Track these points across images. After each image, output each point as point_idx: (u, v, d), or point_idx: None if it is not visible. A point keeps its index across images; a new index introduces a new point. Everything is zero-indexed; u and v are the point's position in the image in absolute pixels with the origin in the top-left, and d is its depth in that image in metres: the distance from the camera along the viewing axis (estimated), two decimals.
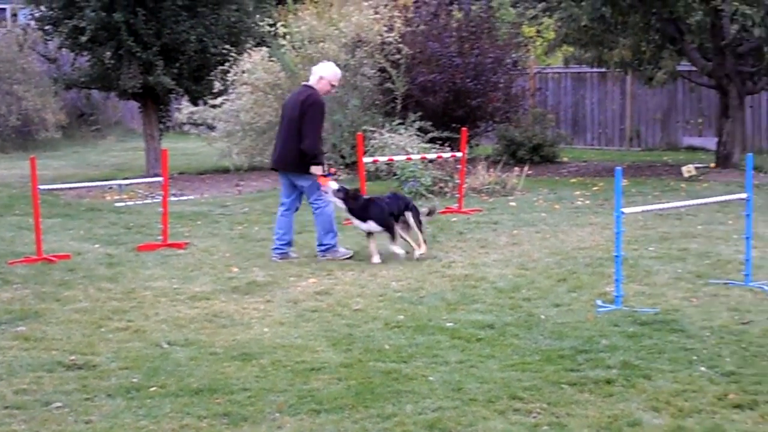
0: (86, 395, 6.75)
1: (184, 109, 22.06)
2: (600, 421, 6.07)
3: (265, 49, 21.00)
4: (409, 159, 16.47)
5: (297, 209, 11.93)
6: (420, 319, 8.66)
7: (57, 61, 22.98)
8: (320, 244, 11.66)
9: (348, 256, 11.57)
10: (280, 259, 11.54)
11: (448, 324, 8.46)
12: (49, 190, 14.41)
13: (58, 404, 6.57)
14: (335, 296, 9.62)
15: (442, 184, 17.14)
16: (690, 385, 6.68)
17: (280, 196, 12.04)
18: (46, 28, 21.18)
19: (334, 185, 11.56)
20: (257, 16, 21.97)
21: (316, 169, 11.49)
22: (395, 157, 16.55)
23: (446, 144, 19.19)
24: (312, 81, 11.71)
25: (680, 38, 19.62)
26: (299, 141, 11.37)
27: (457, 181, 16.08)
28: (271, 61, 20.73)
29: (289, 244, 11.73)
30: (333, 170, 12.45)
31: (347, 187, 11.90)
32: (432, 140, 18.90)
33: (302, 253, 11.93)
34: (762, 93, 21.65)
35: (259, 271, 10.86)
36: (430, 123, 19.22)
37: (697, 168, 18.98)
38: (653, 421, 6.06)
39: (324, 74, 11.68)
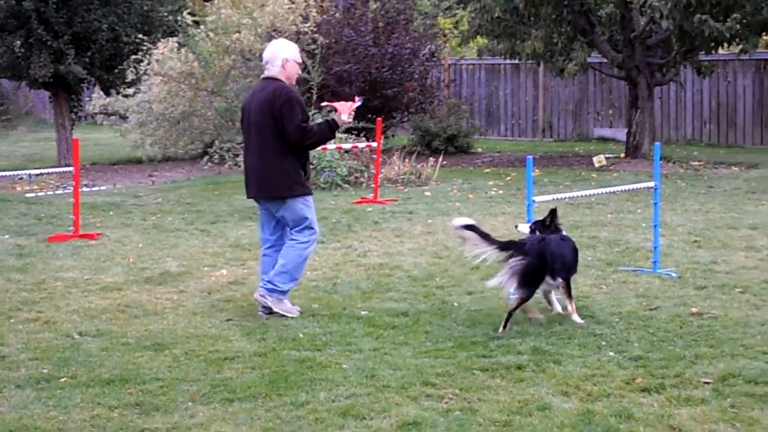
0: None
1: (96, 100, 21.81)
2: (511, 405, 6.15)
3: (177, 38, 20.85)
4: (325, 149, 16.46)
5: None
6: (335, 307, 8.69)
7: None
8: (270, 282, 8.49)
9: (293, 315, 8.46)
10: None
11: (363, 312, 8.50)
12: None
13: None
14: (249, 286, 9.59)
15: (357, 174, 17.18)
16: (599, 370, 6.80)
17: (260, 230, 9.15)
18: None
19: (524, 228, 8.67)
20: (167, 5, 21.79)
21: (341, 106, 8.78)
22: None
23: (362, 134, 19.24)
24: (274, 71, 8.61)
25: (591, 30, 19.90)
26: (278, 154, 8.48)
27: (373, 171, 16.13)
28: (185, 50, 20.57)
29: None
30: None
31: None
32: (348, 130, 18.92)
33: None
34: (670, 84, 22.06)
35: (172, 262, 10.79)
36: None
37: (607, 158, 19.29)
38: (563, 405, 6.15)
39: (288, 55, 8.61)
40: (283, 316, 8.41)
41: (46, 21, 19.67)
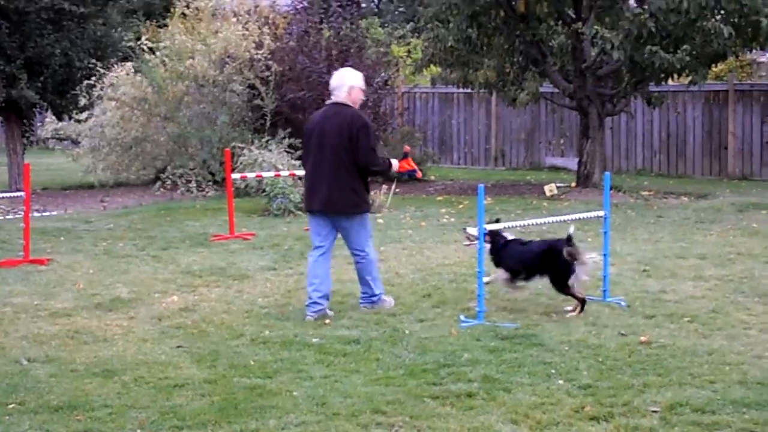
0: None
1: (48, 124, 21.70)
2: None
3: (130, 63, 20.84)
4: (278, 175, 16.48)
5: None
6: (286, 334, 8.68)
7: None
8: (372, 296, 9.65)
9: (393, 305, 9.71)
10: (317, 317, 9.30)
11: (314, 339, 8.50)
12: None
13: None
14: (200, 313, 9.57)
15: None
16: (548, 398, 6.84)
17: (312, 238, 9.70)
18: None
19: (473, 230, 9.76)
20: (121, 30, 21.77)
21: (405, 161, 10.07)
22: (264, 174, 16.57)
23: None
24: (341, 96, 9.49)
25: (543, 60, 20.08)
26: (350, 174, 9.35)
27: None
28: (139, 76, 20.56)
29: (326, 297, 9.48)
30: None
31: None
32: (302, 157, 18.92)
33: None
34: (621, 115, 22.29)
35: (123, 288, 10.73)
36: (299, 140, 19.20)
37: (558, 187, 19.43)
38: None
39: (354, 83, 9.51)
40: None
41: None
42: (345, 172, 9.34)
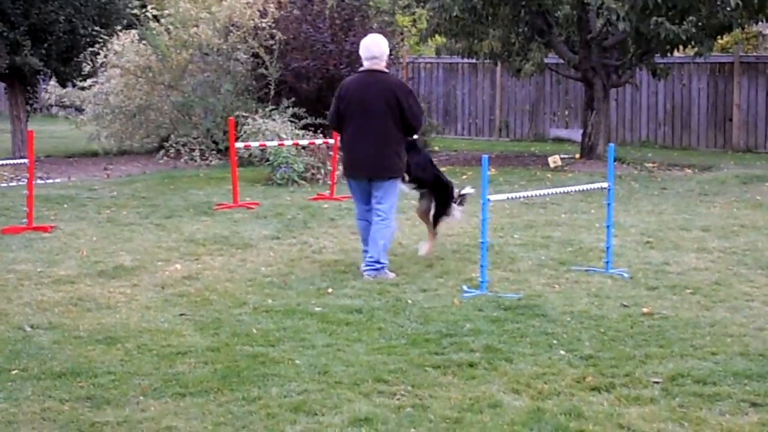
0: None
1: (51, 90, 21.68)
2: (462, 402, 6.19)
3: (135, 31, 20.79)
4: (282, 145, 16.47)
5: None
6: (289, 303, 8.69)
7: None
8: (376, 261, 9.68)
9: (394, 280, 9.60)
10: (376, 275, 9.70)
11: (317, 308, 8.51)
12: None
13: None
14: (204, 281, 9.59)
15: (314, 171, 17.16)
16: (550, 368, 6.85)
17: (357, 204, 10.15)
18: None
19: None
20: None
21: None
22: (267, 143, 16.55)
23: (319, 131, 19.23)
24: (382, 65, 9.80)
25: (548, 31, 20.01)
26: (396, 140, 9.72)
27: (329, 168, 16.13)
28: (143, 44, 20.52)
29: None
30: None
31: None
32: (305, 127, 18.93)
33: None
34: (626, 86, 22.23)
35: (126, 255, 10.75)
36: (303, 109, 19.23)
37: (562, 158, 19.41)
38: (513, 403, 6.20)
39: (388, 51, 9.98)
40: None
41: (3, 12, 19.51)
42: (391, 138, 9.67)
